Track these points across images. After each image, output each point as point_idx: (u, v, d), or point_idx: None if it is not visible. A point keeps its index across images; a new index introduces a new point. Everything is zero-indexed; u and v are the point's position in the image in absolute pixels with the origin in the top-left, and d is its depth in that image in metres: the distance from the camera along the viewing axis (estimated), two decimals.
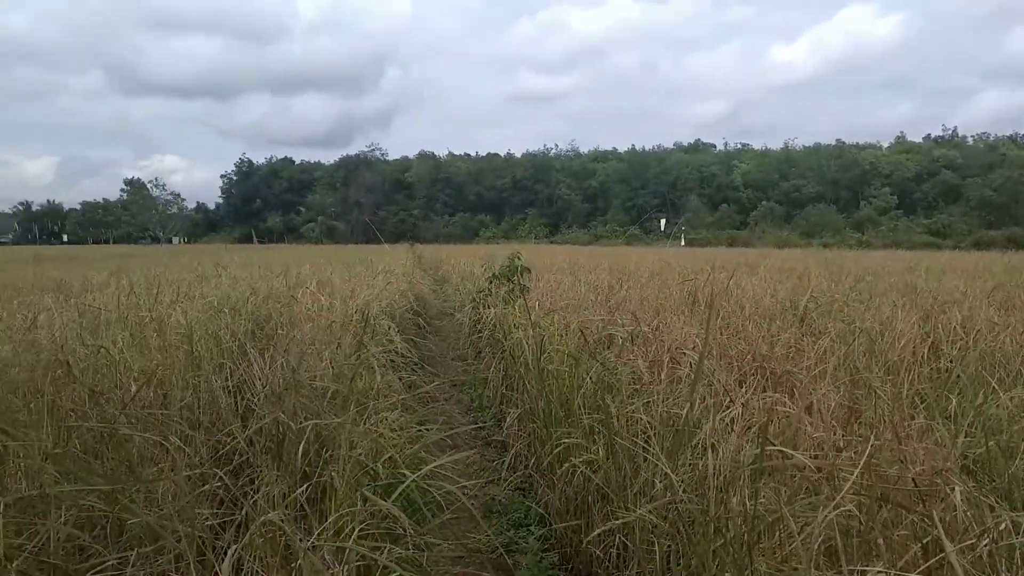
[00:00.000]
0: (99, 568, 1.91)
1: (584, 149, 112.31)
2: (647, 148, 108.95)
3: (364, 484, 2.25)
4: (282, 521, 1.78)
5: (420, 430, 3.21)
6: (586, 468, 2.90)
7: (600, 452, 2.81)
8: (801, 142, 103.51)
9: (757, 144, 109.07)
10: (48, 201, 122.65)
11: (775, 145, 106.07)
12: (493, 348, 6.84)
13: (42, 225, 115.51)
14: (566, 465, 2.99)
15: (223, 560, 1.87)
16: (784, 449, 2.12)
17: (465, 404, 6.38)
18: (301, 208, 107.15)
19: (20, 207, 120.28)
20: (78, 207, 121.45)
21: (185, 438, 2.70)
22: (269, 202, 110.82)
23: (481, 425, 5.37)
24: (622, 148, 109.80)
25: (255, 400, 3.68)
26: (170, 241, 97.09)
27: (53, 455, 2.13)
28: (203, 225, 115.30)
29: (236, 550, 1.72)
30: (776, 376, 4.17)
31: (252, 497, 2.37)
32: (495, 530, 3.40)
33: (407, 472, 2.33)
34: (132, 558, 1.92)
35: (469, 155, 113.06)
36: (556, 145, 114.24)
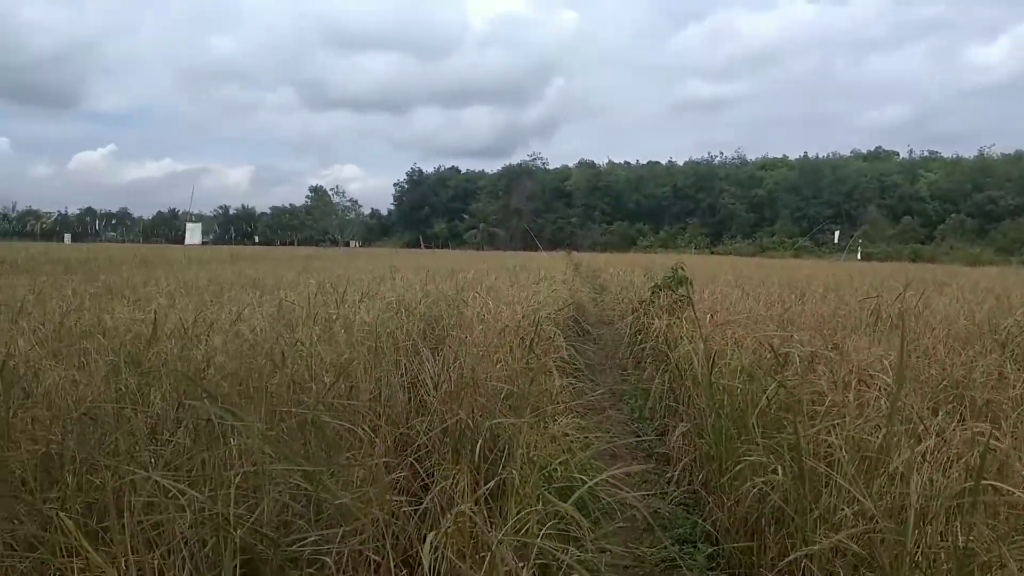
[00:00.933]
0: (302, 542, 2.10)
1: (751, 157, 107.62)
2: (821, 156, 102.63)
3: (542, 485, 2.31)
4: (473, 513, 1.88)
5: (589, 437, 3.24)
6: (764, 488, 2.79)
7: (781, 473, 2.70)
8: (999, 149, 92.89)
9: (947, 152, 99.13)
10: (243, 206, 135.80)
11: (968, 153, 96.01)
12: (656, 359, 6.75)
13: (238, 227, 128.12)
14: (746, 484, 2.90)
15: (411, 545, 2.00)
16: (1000, 484, 1.93)
17: (625, 414, 6.34)
18: (465, 215, 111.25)
19: (220, 211, 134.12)
20: (268, 211, 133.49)
21: (374, 428, 2.90)
22: (436, 209, 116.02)
23: (643, 437, 5.32)
24: (793, 155, 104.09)
25: (427, 396, 3.89)
26: (347, 244, 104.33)
27: (267, 436, 2.36)
28: (376, 230, 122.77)
29: (435, 537, 1.83)
30: (976, 405, 3.82)
31: (434, 488, 2.51)
32: (660, 544, 3.37)
33: (583, 477, 2.37)
34: (330, 536, 2.10)
35: (629, 163, 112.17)
36: (721, 153, 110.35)
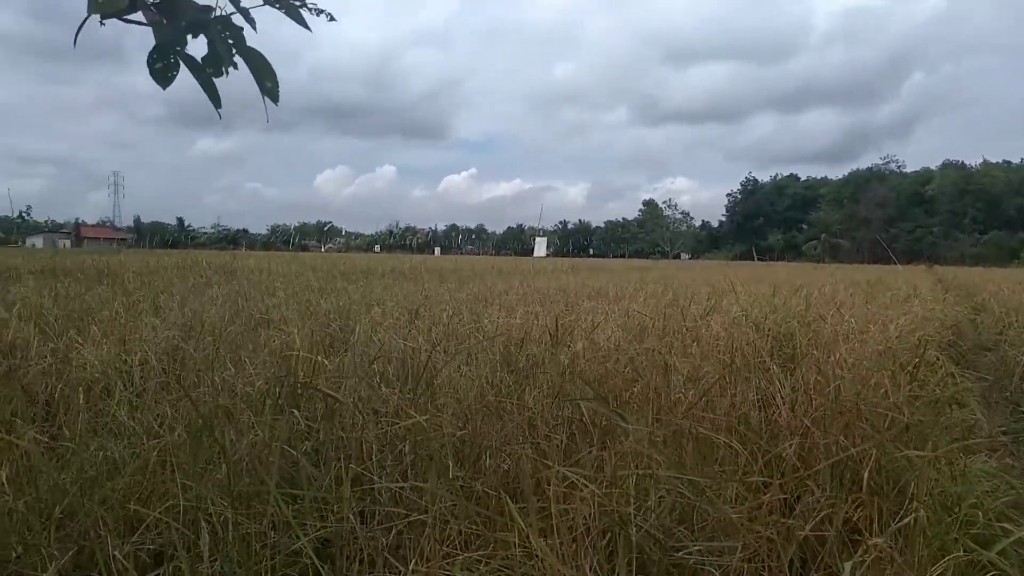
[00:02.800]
0: (687, 550, 2.13)
1: None
2: None
3: (954, 529, 2.05)
4: (890, 548, 1.74)
5: (996, 481, 2.79)
6: None
7: None
8: None
9: None
10: (580, 220, 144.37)
11: None
12: None
13: (575, 240, 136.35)
14: None
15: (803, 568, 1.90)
16: None
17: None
18: (804, 225, 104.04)
19: (560, 225, 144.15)
20: (602, 225, 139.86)
21: (742, 443, 2.84)
22: (771, 219, 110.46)
23: None
24: None
25: (779, 417, 3.70)
26: (677, 256, 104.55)
27: (654, 442, 2.45)
28: (705, 241, 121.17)
29: (853, 566, 1.74)
30: None
31: (814, 516, 2.37)
32: None
33: (1004, 526, 2.04)
34: (713, 548, 2.09)
35: (1010, 163, 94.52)
36: None
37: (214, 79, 1.85)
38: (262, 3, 1.79)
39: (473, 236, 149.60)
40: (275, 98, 1.86)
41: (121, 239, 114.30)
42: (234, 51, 1.82)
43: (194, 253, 36.94)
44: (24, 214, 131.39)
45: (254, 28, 1.80)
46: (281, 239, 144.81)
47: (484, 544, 2.04)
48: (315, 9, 1.82)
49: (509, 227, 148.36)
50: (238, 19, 1.83)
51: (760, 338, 5.82)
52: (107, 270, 14.57)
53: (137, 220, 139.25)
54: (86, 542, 2.42)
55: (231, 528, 2.16)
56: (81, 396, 3.37)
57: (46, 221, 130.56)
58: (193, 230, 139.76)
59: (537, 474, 2.28)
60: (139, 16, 1.73)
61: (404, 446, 2.88)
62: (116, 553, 2.03)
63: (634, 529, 1.92)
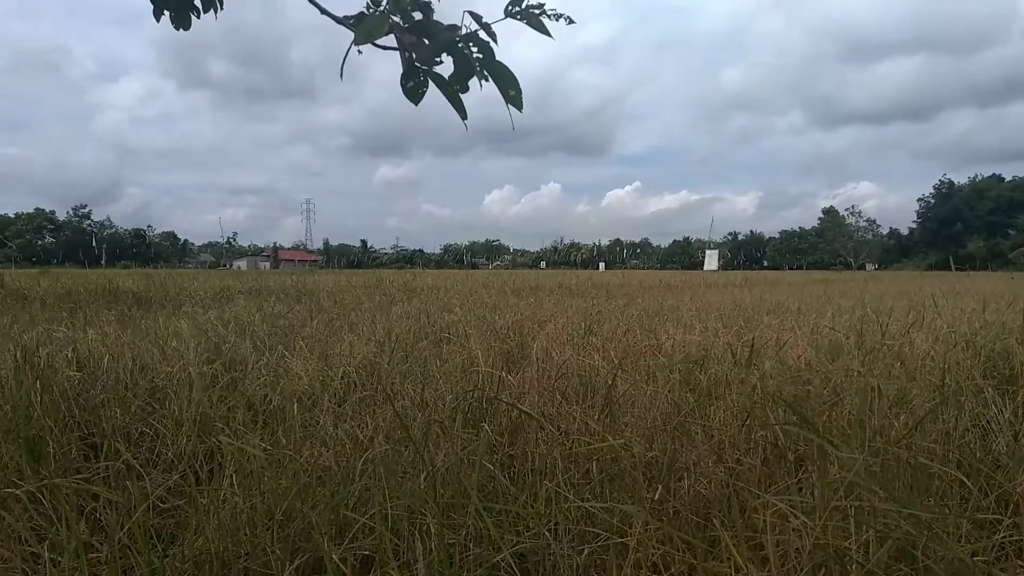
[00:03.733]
0: None
1: None
2: None
3: None
4: None
5: None
6: None
7: None
8: None
9: None
10: (751, 231, 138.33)
11: None
12: None
13: (746, 252, 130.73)
14: None
15: None
16: None
17: None
18: (1010, 231, 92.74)
19: (729, 237, 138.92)
20: (776, 236, 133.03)
21: (968, 474, 2.56)
22: (971, 225, 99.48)
23: None
24: None
25: (997, 445, 3.30)
26: (862, 267, 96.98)
27: (871, 471, 2.27)
28: (894, 251, 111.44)
29: None
30: None
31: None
32: None
33: None
34: None
35: None
36: None
37: (460, 94, 1.97)
38: (504, 17, 1.89)
39: (638, 250, 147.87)
40: (519, 106, 1.96)
41: (313, 260, 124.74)
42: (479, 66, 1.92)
43: (378, 272, 39.47)
44: (231, 239, 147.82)
45: (495, 42, 1.91)
46: (453, 257, 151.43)
47: (688, 571, 1.98)
48: (554, 15, 1.88)
49: (675, 240, 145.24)
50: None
51: (970, 357, 5.26)
52: (304, 289, 15.93)
53: (326, 242, 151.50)
54: (304, 544, 2.63)
55: (434, 537, 2.25)
56: (295, 407, 3.68)
57: (249, 245, 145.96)
58: (375, 251, 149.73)
59: (742, 501, 2.19)
60: (388, 40, 1.89)
61: (591, 464, 2.88)
62: (334, 556, 2.18)
63: (854, 567, 1.78)
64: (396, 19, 1.88)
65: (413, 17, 1.91)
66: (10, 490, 2.55)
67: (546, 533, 2.28)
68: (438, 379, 4.50)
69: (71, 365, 4.83)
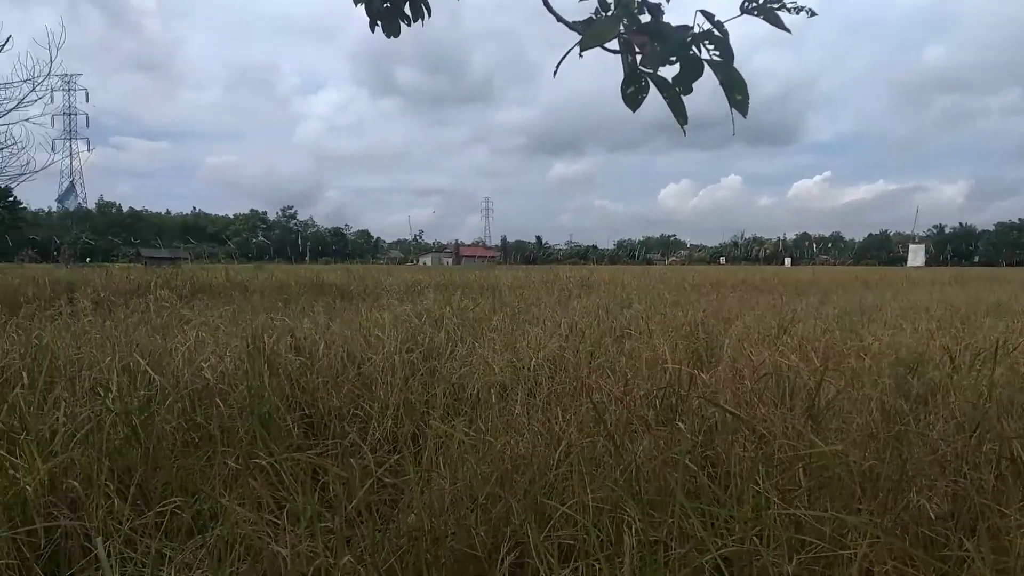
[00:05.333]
0: None
1: None
2: None
3: None
4: None
5: None
6: None
7: None
8: None
9: None
10: (960, 224, 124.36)
11: None
12: None
13: (955, 246, 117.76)
14: None
15: None
16: None
17: None
18: None
19: (934, 230, 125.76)
20: (991, 228, 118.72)
21: None
22: None
23: None
24: None
25: None
26: None
27: None
28: None
29: None
30: None
31: None
32: None
33: None
34: None
35: None
36: None
37: (682, 96, 1.93)
38: (739, 14, 1.84)
39: (828, 245, 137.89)
40: (744, 111, 1.89)
41: (491, 257, 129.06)
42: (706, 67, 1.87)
43: (554, 268, 40.05)
44: (417, 237, 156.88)
45: (727, 39, 1.85)
46: (627, 253, 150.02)
47: None
48: (794, 8, 1.80)
49: (871, 234, 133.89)
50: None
51: None
52: (485, 284, 16.50)
53: (503, 239, 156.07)
54: (505, 528, 2.72)
55: (636, 533, 2.24)
56: (493, 395, 3.82)
57: (433, 242, 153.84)
58: (549, 247, 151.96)
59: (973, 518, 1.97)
60: (612, 44, 1.90)
61: (798, 470, 2.72)
62: (539, 542, 2.24)
63: None
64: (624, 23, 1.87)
65: (639, 20, 1.89)
66: (256, 460, 2.87)
67: (754, 539, 2.19)
68: (626, 374, 4.48)
69: (290, 350, 5.34)
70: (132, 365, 4.31)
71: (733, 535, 2.30)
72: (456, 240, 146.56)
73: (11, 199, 46.46)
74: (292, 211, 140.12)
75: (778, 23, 1.79)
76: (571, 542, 2.39)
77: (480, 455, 3.15)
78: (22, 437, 3.20)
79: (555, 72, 1.86)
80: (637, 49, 1.85)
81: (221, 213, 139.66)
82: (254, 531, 2.29)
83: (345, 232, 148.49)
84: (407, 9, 3.09)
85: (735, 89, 1.84)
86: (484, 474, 2.90)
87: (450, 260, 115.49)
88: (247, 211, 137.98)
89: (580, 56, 1.78)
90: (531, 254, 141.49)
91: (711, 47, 1.82)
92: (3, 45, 13.65)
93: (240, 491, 2.66)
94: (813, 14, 1.78)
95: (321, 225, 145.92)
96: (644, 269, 44.06)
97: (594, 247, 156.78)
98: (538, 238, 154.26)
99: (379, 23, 3.11)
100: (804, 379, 4.16)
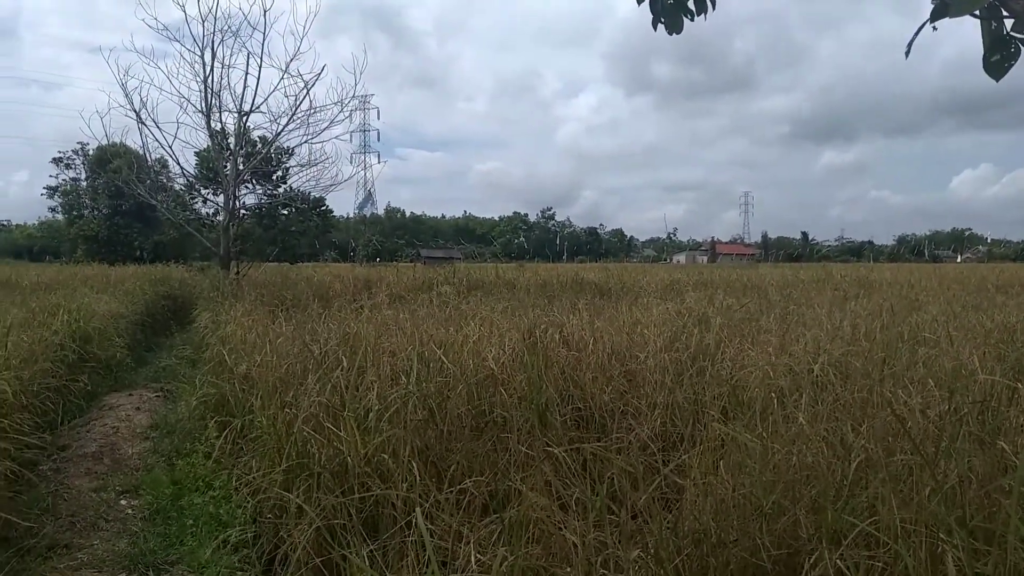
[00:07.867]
0: None
1: None
2: None
3: None
4: None
5: None
6: None
7: None
8: None
9: None
10: None
11: None
12: None
13: None
14: None
15: None
16: None
17: None
18: None
19: None
20: None
21: None
22: None
23: None
24: None
25: None
26: None
27: None
28: None
29: None
30: None
31: None
32: None
33: None
34: None
35: None
36: None
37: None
38: None
39: None
40: None
41: (750, 254, 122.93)
42: None
43: (825, 266, 37.11)
44: (671, 235, 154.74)
45: None
46: (910, 249, 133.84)
47: None
48: None
49: None
50: None
51: None
52: (748, 283, 15.78)
53: (764, 236, 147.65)
54: (792, 541, 2.57)
55: (955, 561, 1.98)
56: (775, 400, 3.63)
57: (688, 240, 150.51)
58: (817, 243, 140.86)
59: None
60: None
61: None
62: (838, 562, 2.08)
63: None
64: None
65: None
66: (547, 448, 3.03)
67: None
68: (927, 385, 3.99)
69: (560, 345, 5.55)
70: (427, 353, 4.78)
71: None
72: (712, 237, 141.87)
73: (323, 208, 54.29)
74: (551, 212, 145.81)
75: None
76: (877, 563, 2.18)
77: (764, 462, 3.01)
78: (344, 413, 3.71)
79: (907, 52, 1.72)
80: (1006, 13, 1.64)
81: (488, 216, 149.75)
82: (546, 515, 2.41)
83: (600, 232, 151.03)
84: (690, 3, 3.05)
85: None
86: (768, 482, 2.76)
87: (705, 258, 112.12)
88: (510, 213, 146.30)
89: (934, 29, 1.62)
90: (795, 251, 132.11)
91: None
92: (319, 75, 15.94)
93: (530, 477, 2.82)
94: None
95: (577, 225, 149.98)
96: (933, 267, 39.05)
97: (869, 243, 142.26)
98: (803, 234, 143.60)
99: (662, 21, 3.10)
100: None
